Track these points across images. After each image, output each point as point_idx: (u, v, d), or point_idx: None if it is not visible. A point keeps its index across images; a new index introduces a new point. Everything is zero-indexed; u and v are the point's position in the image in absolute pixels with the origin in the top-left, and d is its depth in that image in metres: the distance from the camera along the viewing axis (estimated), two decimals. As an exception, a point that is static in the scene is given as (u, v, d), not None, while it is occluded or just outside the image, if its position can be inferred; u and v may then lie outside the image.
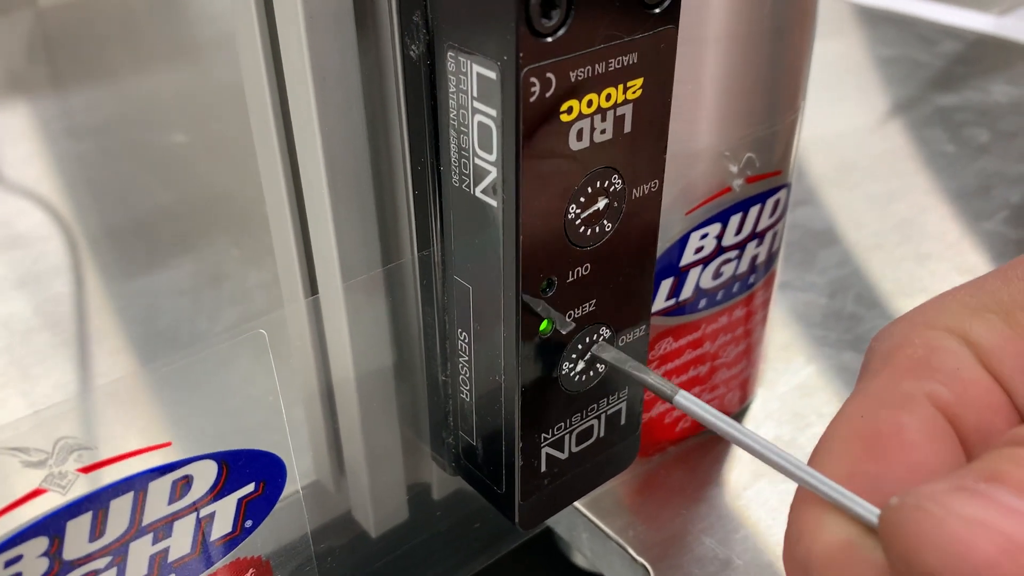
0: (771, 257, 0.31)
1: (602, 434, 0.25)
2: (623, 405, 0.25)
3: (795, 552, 0.16)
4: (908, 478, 0.15)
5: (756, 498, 0.31)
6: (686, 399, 0.20)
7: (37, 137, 0.63)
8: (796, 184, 0.29)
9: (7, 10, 0.83)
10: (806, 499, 0.16)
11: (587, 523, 0.30)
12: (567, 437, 0.24)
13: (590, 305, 0.22)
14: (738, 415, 0.34)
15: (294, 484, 0.22)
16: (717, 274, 0.29)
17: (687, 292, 0.29)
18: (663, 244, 0.27)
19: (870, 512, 0.15)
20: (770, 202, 0.29)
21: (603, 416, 0.24)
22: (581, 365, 0.23)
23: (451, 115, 0.20)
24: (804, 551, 0.16)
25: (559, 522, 0.32)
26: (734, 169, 0.27)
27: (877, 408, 0.16)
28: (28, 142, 0.62)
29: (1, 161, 0.60)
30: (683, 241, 0.27)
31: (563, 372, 0.22)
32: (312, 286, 0.24)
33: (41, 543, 0.18)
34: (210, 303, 0.44)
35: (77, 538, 0.19)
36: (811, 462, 0.17)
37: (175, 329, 0.42)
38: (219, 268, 0.46)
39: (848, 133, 0.57)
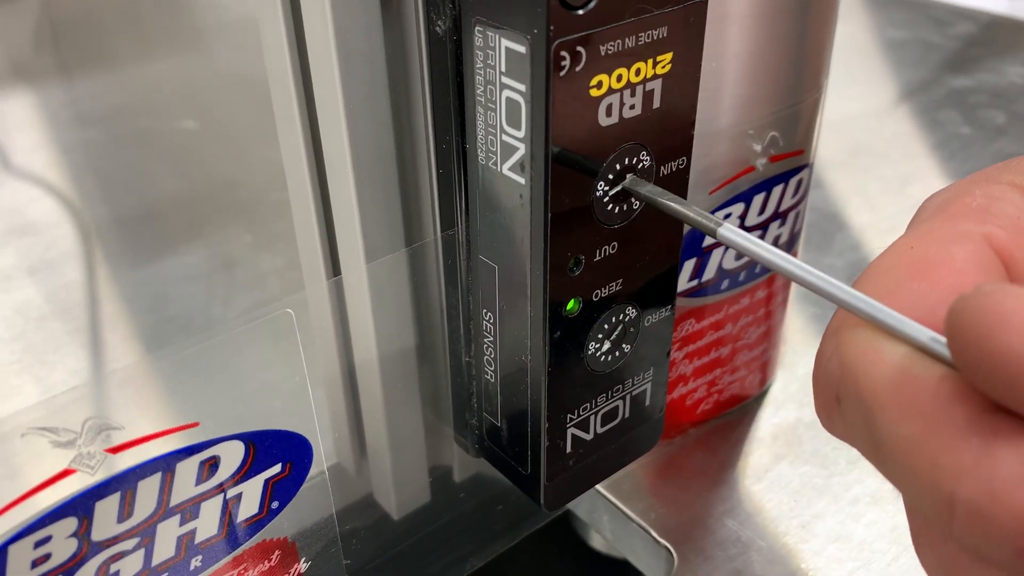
0: (793, 238, 0.30)
1: (627, 415, 0.24)
2: (648, 386, 0.24)
3: (860, 383, 0.15)
4: (953, 298, 0.15)
5: (778, 480, 0.31)
6: (730, 231, 0.18)
7: (45, 125, 0.63)
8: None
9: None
10: (849, 323, 0.15)
11: (608, 505, 0.30)
12: (592, 418, 0.24)
13: (617, 284, 0.22)
14: (759, 397, 0.34)
15: (319, 466, 0.22)
16: (740, 255, 0.29)
17: (710, 273, 0.28)
18: (686, 225, 0.27)
19: (924, 334, 0.14)
20: (793, 182, 0.29)
21: (628, 397, 0.24)
22: (608, 345, 0.22)
23: (478, 91, 0.20)
24: (864, 377, 0.15)
25: (580, 505, 0.31)
26: (758, 148, 0.27)
27: (929, 242, 0.16)
28: (37, 130, 0.62)
29: (11, 149, 0.59)
30: (706, 221, 0.27)
31: (589, 352, 0.22)
32: (334, 266, 0.24)
33: (70, 524, 0.18)
34: (223, 290, 0.44)
35: (105, 519, 0.19)
36: (855, 286, 0.16)
37: (187, 316, 0.42)
38: (231, 254, 0.46)
39: (860, 116, 0.57)
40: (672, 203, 0.20)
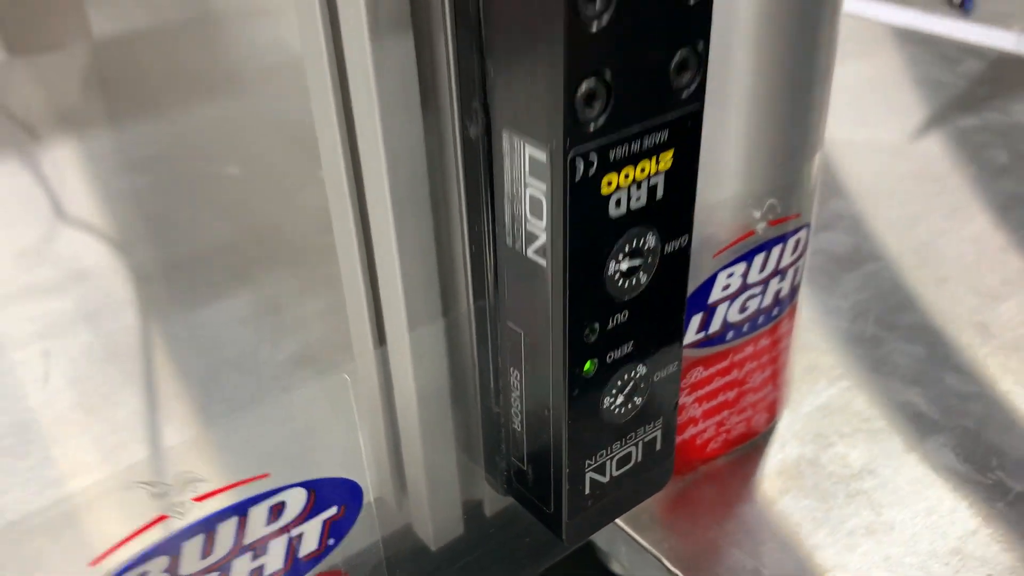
0: (793, 290, 0.33)
1: (639, 459, 0.27)
2: (658, 433, 0.27)
3: None
4: None
5: (782, 512, 0.33)
6: None
7: (95, 172, 0.66)
8: (819, 208, 0.31)
9: (62, 44, 0.87)
10: None
11: (625, 537, 0.33)
12: (608, 463, 0.27)
13: (628, 347, 0.25)
14: (765, 435, 0.37)
15: (369, 507, 0.25)
16: (743, 308, 0.32)
17: (715, 325, 0.31)
18: (693, 284, 0.30)
19: None
20: (791, 241, 0.32)
21: (640, 443, 0.27)
22: (621, 399, 0.25)
23: (506, 186, 0.23)
24: None
25: (600, 536, 0.34)
26: (757, 215, 0.30)
27: None
28: (87, 177, 0.66)
29: (63, 196, 0.63)
30: (711, 280, 0.30)
31: (604, 406, 0.25)
32: (379, 331, 0.27)
33: (163, 561, 0.22)
34: (271, 333, 0.47)
35: (191, 556, 0.22)
36: None
37: (239, 359, 0.45)
38: (278, 298, 0.50)
39: (868, 155, 0.59)
40: None
